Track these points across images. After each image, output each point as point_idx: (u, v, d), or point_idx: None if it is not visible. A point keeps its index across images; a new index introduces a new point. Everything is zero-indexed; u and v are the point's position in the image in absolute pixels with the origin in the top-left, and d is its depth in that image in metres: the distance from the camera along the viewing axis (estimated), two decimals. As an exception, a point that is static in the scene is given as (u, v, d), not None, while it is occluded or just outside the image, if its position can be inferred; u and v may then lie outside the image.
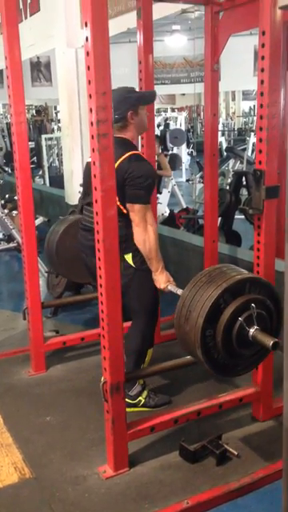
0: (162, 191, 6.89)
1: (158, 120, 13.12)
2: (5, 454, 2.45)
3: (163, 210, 6.82)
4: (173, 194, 7.27)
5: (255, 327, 2.02)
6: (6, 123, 13.07)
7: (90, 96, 1.93)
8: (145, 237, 2.47)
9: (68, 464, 2.37)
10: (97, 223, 2.05)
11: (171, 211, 6.67)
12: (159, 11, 3.91)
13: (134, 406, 2.74)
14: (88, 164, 2.66)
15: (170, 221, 6.26)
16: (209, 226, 3.39)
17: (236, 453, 2.35)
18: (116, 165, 2.29)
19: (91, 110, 1.94)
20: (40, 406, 2.85)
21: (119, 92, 2.52)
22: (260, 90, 2.24)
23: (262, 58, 2.21)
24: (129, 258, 2.57)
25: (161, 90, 16.11)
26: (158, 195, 6.97)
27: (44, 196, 7.58)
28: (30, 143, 11.50)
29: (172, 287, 2.53)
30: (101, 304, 2.14)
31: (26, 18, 6.91)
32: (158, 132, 9.12)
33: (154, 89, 3.11)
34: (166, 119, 14.29)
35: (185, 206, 6.85)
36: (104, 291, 2.11)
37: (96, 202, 2.03)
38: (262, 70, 2.21)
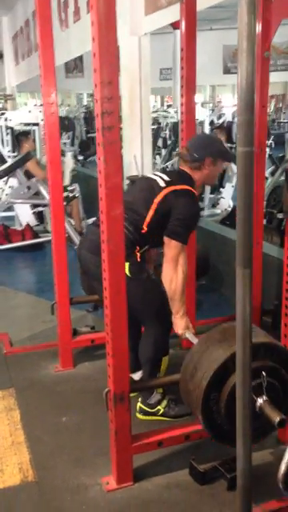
0: (225, 185, 6.62)
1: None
2: (13, 453, 2.41)
3: (226, 204, 6.56)
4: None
5: (264, 397, 1.84)
6: (84, 112, 13.20)
7: (96, 85, 1.79)
8: (173, 276, 2.38)
9: (72, 470, 2.28)
10: (102, 222, 1.92)
11: (234, 207, 6.41)
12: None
13: (153, 414, 2.60)
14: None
15: (232, 217, 6.01)
16: (253, 227, 3.14)
17: (251, 479, 2.15)
18: (168, 190, 2.41)
19: (96, 101, 1.80)
20: (59, 405, 2.78)
21: (206, 136, 2.58)
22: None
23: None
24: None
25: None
26: (221, 189, 6.72)
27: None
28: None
29: (190, 335, 2.41)
30: (105, 308, 2.02)
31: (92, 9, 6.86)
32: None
33: (196, 78, 2.93)
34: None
35: (249, 202, 6.53)
36: (108, 294, 1.98)
37: (101, 199, 1.90)
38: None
